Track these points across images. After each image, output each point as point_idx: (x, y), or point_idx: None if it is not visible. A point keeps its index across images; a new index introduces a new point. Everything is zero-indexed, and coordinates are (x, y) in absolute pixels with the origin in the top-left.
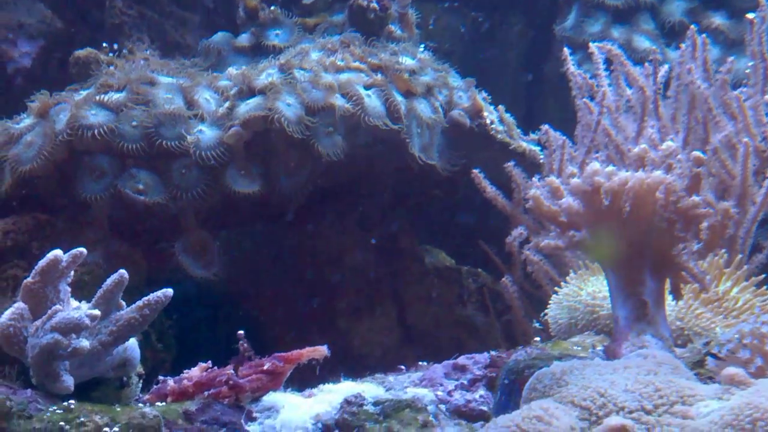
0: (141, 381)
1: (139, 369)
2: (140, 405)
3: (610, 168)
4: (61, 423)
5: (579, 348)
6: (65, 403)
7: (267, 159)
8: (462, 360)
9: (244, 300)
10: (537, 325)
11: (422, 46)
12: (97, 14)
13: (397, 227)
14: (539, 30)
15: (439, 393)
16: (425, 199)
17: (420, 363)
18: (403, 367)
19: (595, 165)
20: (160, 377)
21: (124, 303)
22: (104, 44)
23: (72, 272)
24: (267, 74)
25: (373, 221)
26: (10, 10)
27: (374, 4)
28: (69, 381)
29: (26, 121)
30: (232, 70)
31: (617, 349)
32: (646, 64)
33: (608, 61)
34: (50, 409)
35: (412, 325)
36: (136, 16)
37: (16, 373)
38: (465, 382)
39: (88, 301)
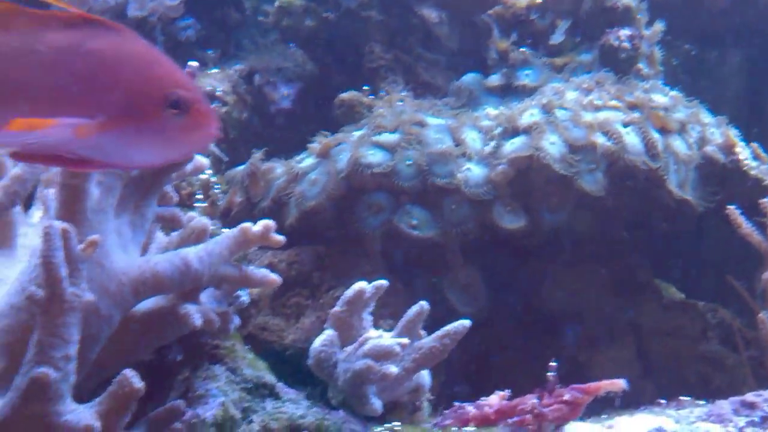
0: (429, 406)
1: (428, 395)
2: (453, 429)
3: None
4: None
5: None
6: (389, 425)
7: (529, 196)
8: (750, 397)
9: (482, 329)
10: None
11: (660, 81)
12: (352, 58)
13: (634, 261)
14: (760, 65)
15: (731, 429)
16: (660, 233)
17: (681, 398)
18: (663, 401)
19: None
20: (456, 403)
21: (423, 332)
22: (364, 87)
23: (373, 303)
24: (529, 114)
25: (610, 254)
26: (270, 56)
27: (626, 44)
28: (378, 404)
29: (308, 160)
30: (491, 110)
31: None
32: None
33: None
34: (376, 430)
35: (652, 359)
36: (392, 59)
37: (318, 394)
38: (756, 419)
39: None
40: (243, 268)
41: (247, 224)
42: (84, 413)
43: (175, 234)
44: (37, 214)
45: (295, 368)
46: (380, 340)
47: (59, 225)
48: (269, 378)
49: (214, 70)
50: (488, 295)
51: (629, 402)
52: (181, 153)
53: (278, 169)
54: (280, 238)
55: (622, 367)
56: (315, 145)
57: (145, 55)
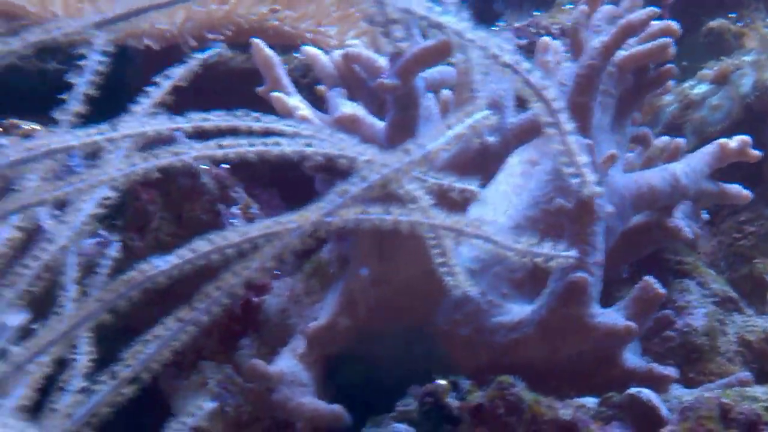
0: None
1: None
2: None
3: None
4: None
5: None
6: None
7: None
8: None
9: None
10: None
11: None
12: None
13: None
14: None
15: None
16: None
17: None
18: None
19: None
20: None
21: None
22: (730, 14)
23: None
24: None
25: None
26: None
27: None
28: None
29: (701, 87)
30: None
31: None
32: None
33: None
34: None
35: None
36: None
37: None
38: None
39: None
40: (720, 184)
41: (724, 140)
42: (616, 316)
43: (632, 154)
44: None
45: None
46: None
47: (584, 141)
48: (733, 293)
49: (569, 6)
50: None
51: None
52: None
53: (667, 96)
54: (757, 153)
55: None
56: (707, 72)
57: None
